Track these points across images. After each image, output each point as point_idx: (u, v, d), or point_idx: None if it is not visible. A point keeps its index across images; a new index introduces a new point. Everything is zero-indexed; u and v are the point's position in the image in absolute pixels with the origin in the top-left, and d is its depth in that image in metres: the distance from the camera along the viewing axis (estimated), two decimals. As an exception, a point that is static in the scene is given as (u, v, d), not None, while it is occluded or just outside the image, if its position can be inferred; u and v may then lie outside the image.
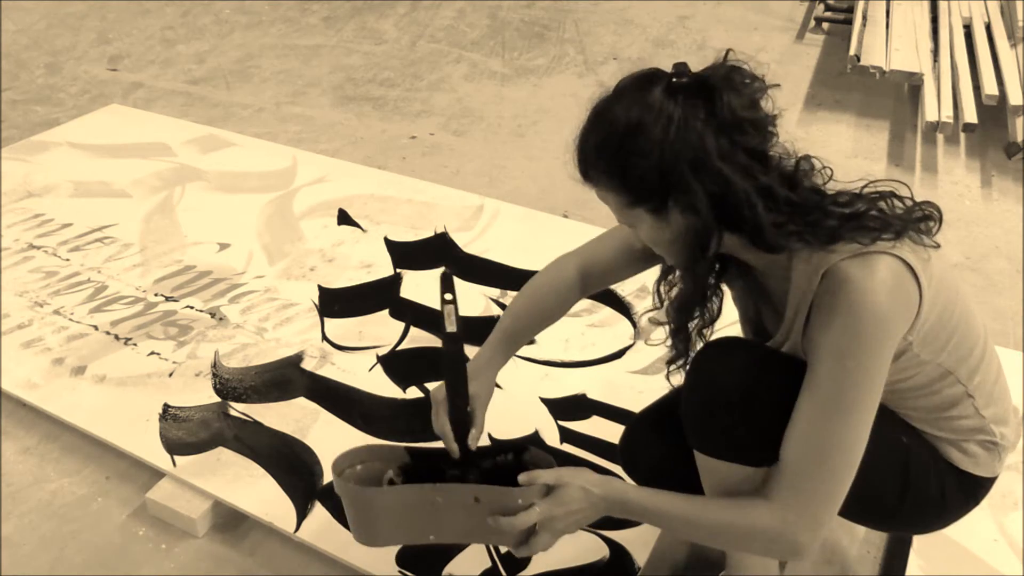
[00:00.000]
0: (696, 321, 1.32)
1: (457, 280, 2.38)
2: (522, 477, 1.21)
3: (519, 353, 2.10)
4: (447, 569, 1.60)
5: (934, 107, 3.19)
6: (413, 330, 2.20)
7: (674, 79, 1.12)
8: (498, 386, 2.00)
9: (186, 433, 1.90)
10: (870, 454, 1.18)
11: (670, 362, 1.37)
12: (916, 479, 1.26)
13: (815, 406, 1.13)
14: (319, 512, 1.71)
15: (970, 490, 1.30)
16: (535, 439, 1.88)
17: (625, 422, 1.90)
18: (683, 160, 1.09)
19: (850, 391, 1.11)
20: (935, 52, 3.64)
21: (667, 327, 1.34)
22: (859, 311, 1.10)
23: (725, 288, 1.37)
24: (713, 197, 1.11)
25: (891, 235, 1.14)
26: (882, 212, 1.17)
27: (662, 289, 1.36)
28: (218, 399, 1.99)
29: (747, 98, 1.11)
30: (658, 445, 1.37)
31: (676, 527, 1.23)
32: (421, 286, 2.36)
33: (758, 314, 1.36)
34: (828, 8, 4.50)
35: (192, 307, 2.30)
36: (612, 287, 2.32)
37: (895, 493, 1.26)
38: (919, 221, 1.19)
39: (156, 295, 2.35)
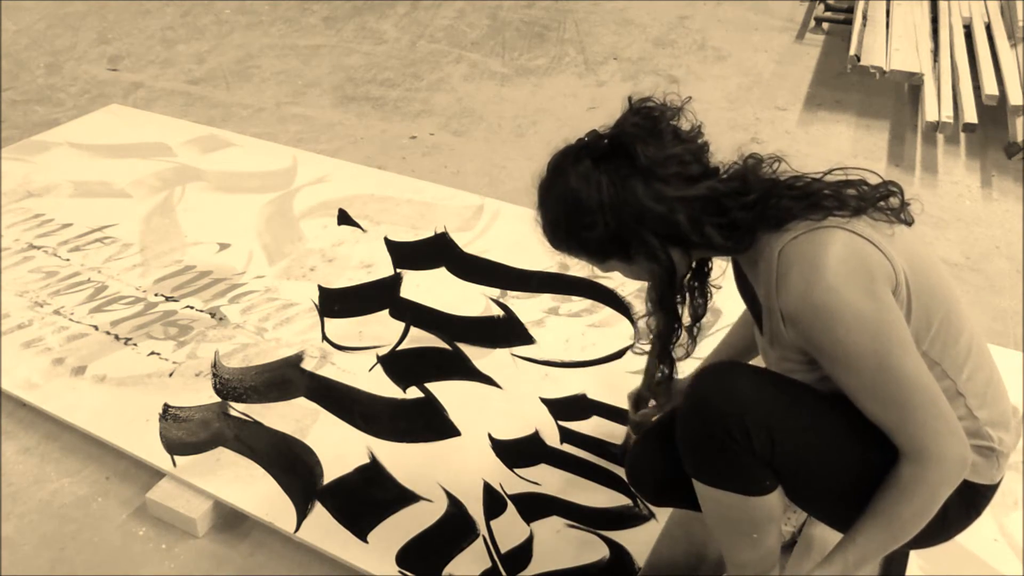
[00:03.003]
0: (676, 333, 1.39)
1: (457, 280, 2.39)
2: None
3: (519, 353, 2.12)
4: (447, 569, 1.60)
5: (934, 107, 3.19)
6: (413, 330, 2.20)
7: (592, 149, 1.21)
8: (498, 386, 2.02)
9: (186, 433, 1.90)
10: (866, 470, 1.19)
11: (658, 383, 1.44)
12: None
13: (855, 377, 1.15)
14: (319, 512, 1.71)
15: (970, 500, 1.28)
16: (535, 439, 1.88)
17: (625, 422, 1.91)
18: (626, 217, 1.18)
19: (868, 346, 1.12)
20: (935, 52, 3.65)
21: (652, 352, 1.42)
22: (817, 284, 1.12)
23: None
24: (664, 236, 1.20)
25: (847, 212, 1.17)
26: (838, 193, 1.19)
27: (649, 322, 1.40)
28: (218, 399, 1.99)
29: (666, 134, 1.19)
30: (664, 464, 1.36)
31: (888, 548, 1.24)
32: (421, 286, 2.36)
33: (754, 307, 1.37)
34: (828, 8, 4.50)
35: (192, 307, 2.30)
36: (612, 287, 2.32)
37: None
38: (878, 199, 1.21)
39: (156, 295, 2.35)
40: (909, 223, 1.23)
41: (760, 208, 1.19)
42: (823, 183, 1.21)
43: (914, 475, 1.16)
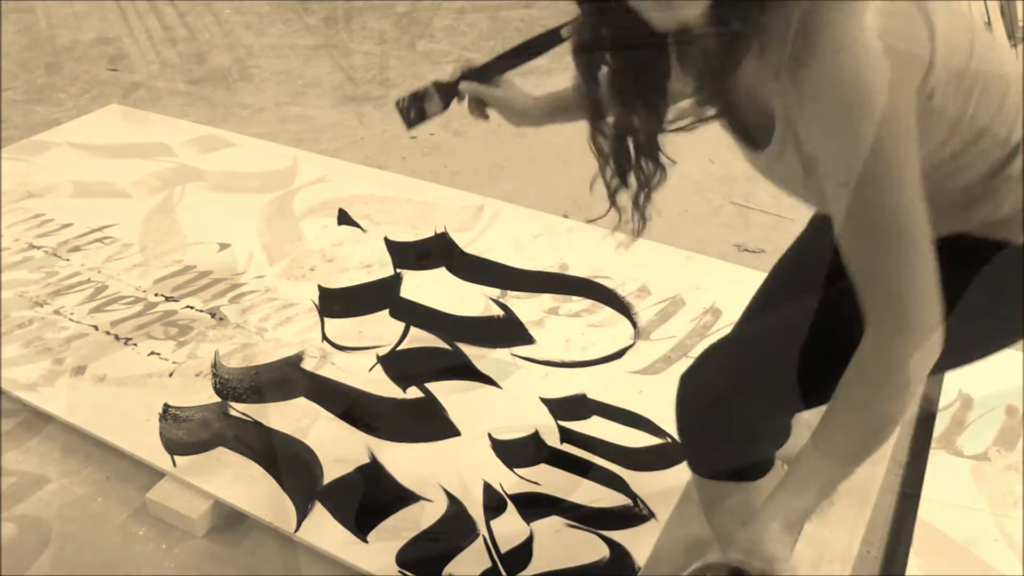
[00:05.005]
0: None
1: (457, 280, 2.39)
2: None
3: (519, 353, 2.11)
4: (447, 569, 1.60)
5: (934, 107, 3.18)
6: (413, 330, 2.20)
7: None
8: (498, 386, 2.02)
9: (186, 433, 1.90)
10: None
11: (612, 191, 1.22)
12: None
13: (856, 178, 0.93)
14: (319, 512, 1.71)
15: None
16: (535, 439, 1.88)
17: (625, 422, 1.91)
18: None
19: (880, 160, 0.92)
20: (935, 52, 3.64)
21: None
22: (844, 66, 0.90)
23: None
24: None
25: None
26: None
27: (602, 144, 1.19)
28: (218, 399, 1.99)
29: None
30: (722, 385, 1.23)
31: (855, 441, 1.04)
32: (421, 286, 2.36)
33: (741, 121, 1.14)
34: (828, 8, 4.49)
35: (192, 307, 2.30)
36: (612, 287, 2.32)
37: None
38: None
39: (156, 295, 2.35)
40: None
41: None
42: None
43: (876, 339, 0.98)
